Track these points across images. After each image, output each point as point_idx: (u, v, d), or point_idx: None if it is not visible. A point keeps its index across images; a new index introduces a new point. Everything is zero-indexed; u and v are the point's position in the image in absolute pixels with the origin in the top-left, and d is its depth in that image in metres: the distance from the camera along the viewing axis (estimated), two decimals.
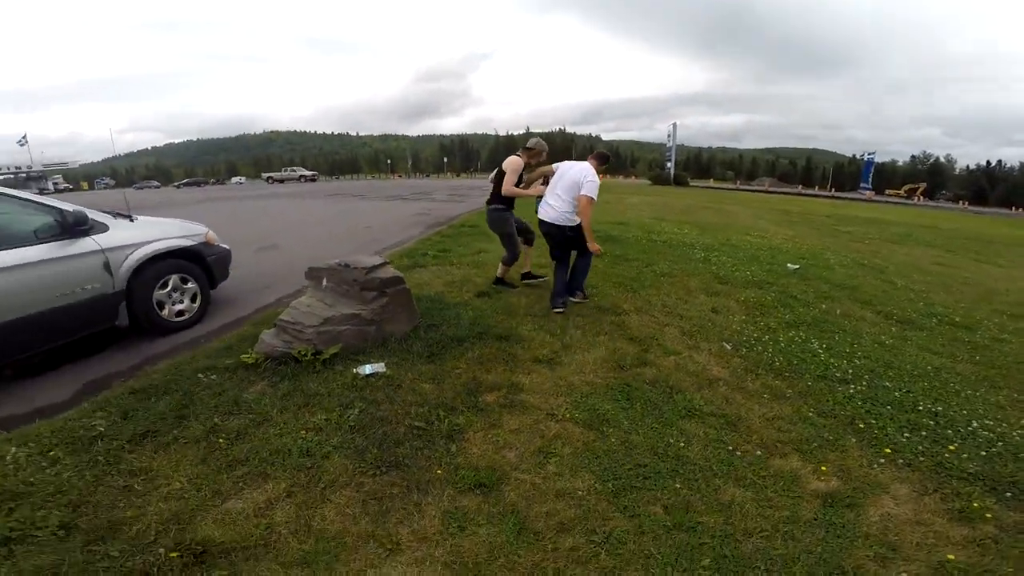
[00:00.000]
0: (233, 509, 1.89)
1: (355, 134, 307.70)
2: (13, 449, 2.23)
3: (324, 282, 3.20)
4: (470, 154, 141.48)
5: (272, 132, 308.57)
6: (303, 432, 2.34)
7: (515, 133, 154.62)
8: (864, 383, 3.14)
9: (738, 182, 58.51)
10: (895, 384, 3.16)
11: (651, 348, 3.49)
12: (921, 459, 2.36)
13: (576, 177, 3.93)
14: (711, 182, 64.62)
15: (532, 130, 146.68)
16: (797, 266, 6.50)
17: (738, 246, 8.03)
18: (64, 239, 3.29)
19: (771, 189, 50.20)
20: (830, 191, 54.14)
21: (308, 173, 51.98)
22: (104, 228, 3.53)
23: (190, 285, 4.10)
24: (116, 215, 3.94)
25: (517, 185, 4.32)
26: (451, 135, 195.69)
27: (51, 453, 2.21)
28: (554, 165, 4.34)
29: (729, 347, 3.62)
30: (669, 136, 47.81)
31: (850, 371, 3.30)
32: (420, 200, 17.84)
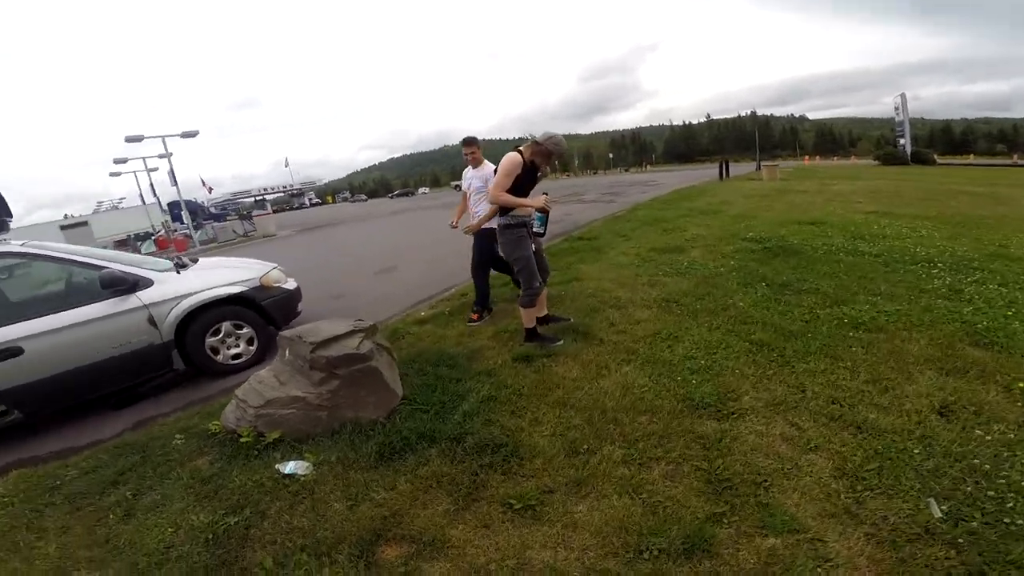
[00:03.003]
0: None
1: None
2: None
3: (286, 353, 2.82)
4: (644, 147, 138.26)
5: None
6: (171, 529, 2.09)
7: (693, 122, 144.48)
8: None
9: (1015, 156, 42.90)
10: None
11: (740, 510, 1.79)
12: None
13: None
14: (970, 158, 49.29)
15: (713, 116, 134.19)
16: None
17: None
18: (114, 298, 3.61)
19: None
20: None
21: None
22: (148, 283, 3.80)
23: (244, 330, 4.24)
24: (177, 264, 4.30)
25: (518, 194, 3.25)
26: (623, 130, 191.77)
27: (6, 499, 2.50)
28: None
29: (940, 513, 1.73)
30: (897, 108, 39.52)
31: None
32: (567, 203, 17.18)
